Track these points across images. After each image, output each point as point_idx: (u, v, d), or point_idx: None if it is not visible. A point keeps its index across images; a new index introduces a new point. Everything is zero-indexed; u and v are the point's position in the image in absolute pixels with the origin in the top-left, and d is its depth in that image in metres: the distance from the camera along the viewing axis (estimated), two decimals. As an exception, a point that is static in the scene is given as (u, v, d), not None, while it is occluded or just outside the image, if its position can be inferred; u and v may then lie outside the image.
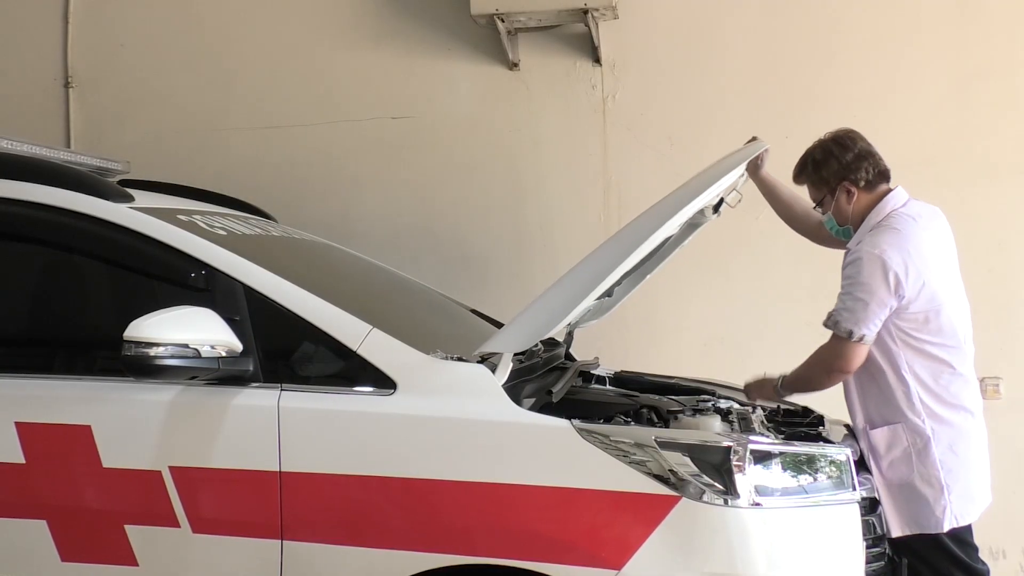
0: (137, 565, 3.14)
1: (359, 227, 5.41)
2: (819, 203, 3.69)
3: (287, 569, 3.06)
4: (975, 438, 3.53)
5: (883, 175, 3.64)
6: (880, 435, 3.48)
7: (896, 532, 3.44)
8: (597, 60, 5.35)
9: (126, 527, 3.14)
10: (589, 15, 5.08)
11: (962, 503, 3.45)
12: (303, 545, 3.05)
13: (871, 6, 5.23)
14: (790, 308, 5.02)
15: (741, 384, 3.85)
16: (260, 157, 5.57)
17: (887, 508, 3.44)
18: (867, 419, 3.53)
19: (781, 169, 5.09)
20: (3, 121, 5.29)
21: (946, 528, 3.44)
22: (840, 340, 3.44)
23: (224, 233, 3.53)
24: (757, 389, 3.76)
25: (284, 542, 3.05)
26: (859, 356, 3.44)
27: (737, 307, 5.20)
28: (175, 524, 3.11)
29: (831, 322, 3.46)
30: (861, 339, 3.41)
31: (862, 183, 3.59)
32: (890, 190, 3.62)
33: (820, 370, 3.53)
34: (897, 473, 3.45)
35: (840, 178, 3.60)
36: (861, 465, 3.39)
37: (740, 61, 5.29)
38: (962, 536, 3.52)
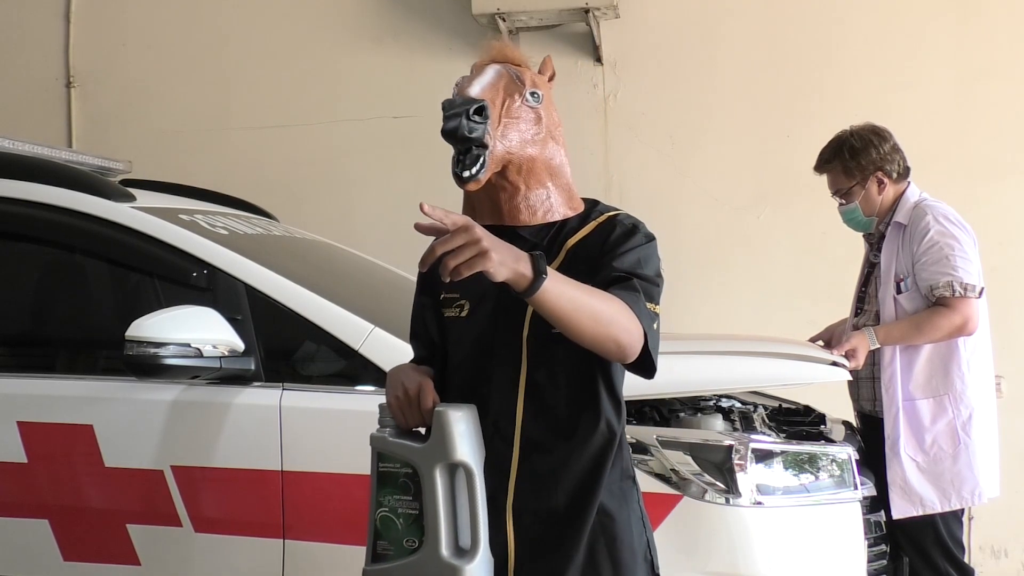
0: (139, 564, 3.14)
1: (359, 227, 5.40)
2: (846, 192, 3.70)
3: (289, 568, 3.06)
4: (995, 417, 3.62)
5: (908, 170, 3.72)
6: (925, 407, 3.51)
7: (910, 512, 3.46)
8: (598, 59, 5.35)
9: (128, 526, 3.14)
10: (590, 14, 5.09)
11: (988, 479, 3.52)
12: (305, 544, 3.05)
13: (872, 6, 5.23)
14: (791, 308, 5.01)
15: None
16: (261, 157, 5.57)
17: (909, 487, 3.46)
18: (907, 393, 3.53)
19: (782, 168, 5.15)
20: (4, 121, 5.30)
21: (968, 503, 3.50)
22: (965, 302, 3.45)
23: (226, 232, 3.52)
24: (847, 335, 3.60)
25: (286, 541, 3.05)
26: (979, 311, 3.50)
27: (737, 307, 5.19)
28: (177, 523, 3.10)
29: (958, 287, 3.44)
30: (982, 292, 3.48)
31: (894, 175, 3.67)
32: (908, 184, 3.72)
33: (943, 336, 3.49)
34: (937, 447, 3.49)
35: (876, 167, 3.65)
36: (861, 464, 3.39)
37: (740, 61, 5.29)
38: (955, 534, 3.56)
